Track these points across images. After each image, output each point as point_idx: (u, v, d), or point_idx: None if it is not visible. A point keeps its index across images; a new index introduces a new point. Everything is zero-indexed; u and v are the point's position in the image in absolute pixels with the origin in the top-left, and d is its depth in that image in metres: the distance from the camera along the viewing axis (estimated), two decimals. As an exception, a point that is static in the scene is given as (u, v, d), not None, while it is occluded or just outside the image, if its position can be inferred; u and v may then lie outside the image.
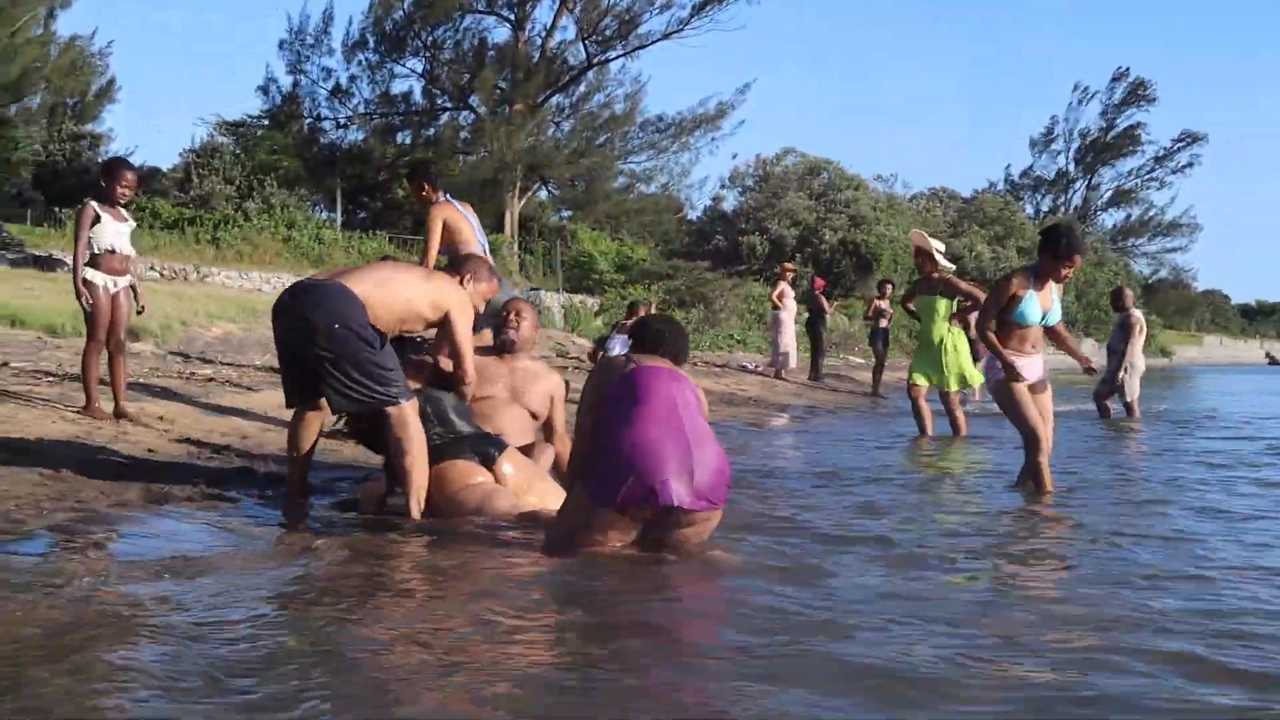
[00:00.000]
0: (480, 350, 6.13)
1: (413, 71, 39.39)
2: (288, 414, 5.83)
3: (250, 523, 5.26)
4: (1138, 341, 14.34)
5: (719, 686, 3.16)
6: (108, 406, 7.53)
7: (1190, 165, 75.23)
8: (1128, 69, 76.30)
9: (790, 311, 20.12)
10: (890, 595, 4.17)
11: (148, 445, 6.89)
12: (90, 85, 39.95)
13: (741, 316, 31.95)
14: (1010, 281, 6.98)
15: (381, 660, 3.22)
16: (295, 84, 38.60)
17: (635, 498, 4.42)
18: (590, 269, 32.98)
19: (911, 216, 46.48)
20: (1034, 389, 7.04)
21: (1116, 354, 14.42)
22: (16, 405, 7.40)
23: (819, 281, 21.79)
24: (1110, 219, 77.97)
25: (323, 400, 5.53)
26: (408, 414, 5.37)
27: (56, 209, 27.38)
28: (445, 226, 7.90)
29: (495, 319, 6.44)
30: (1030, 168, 78.38)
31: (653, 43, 38.69)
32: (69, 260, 9.42)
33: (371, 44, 38.15)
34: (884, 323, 19.57)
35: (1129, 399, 14.34)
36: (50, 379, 8.85)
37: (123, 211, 7.76)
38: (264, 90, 38.61)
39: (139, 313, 7.98)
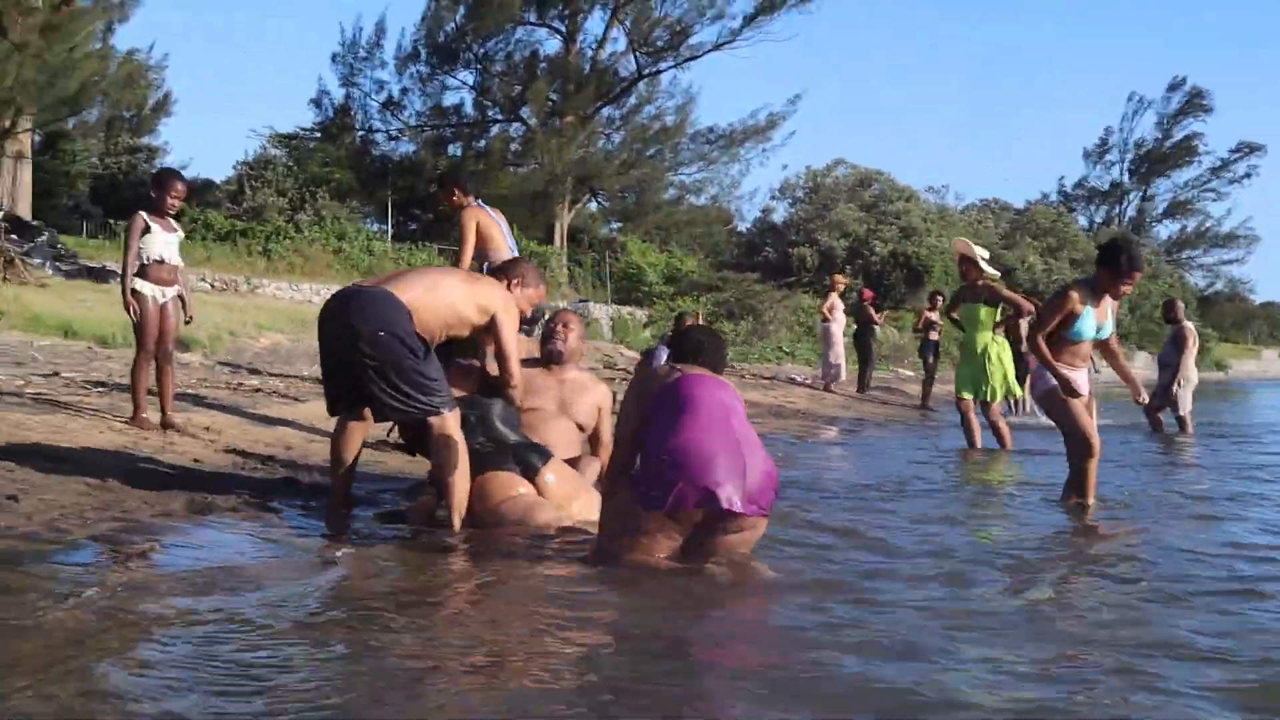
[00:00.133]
0: (528, 362, 6.12)
1: (464, 84, 39.76)
2: (333, 424, 5.82)
3: (292, 534, 5.25)
4: (1191, 354, 14.15)
5: (745, 711, 3.11)
6: (156, 417, 7.58)
7: (1248, 176, 74.43)
8: (1185, 78, 75.64)
9: (840, 324, 20.04)
10: (928, 612, 4.09)
11: (193, 455, 6.93)
12: (147, 99, 40.45)
13: (790, 329, 31.85)
14: (1069, 296, 6.80)
15: (410, 672, 3.20)
16: (347, 96, 39.08)
17: (688, 500, 4.38)
18: (639, 281, 33.03)
19: (963, 228, 46.21)
20: (1079, 401, 6.92)
21: (1169, 367, 14.23)
22: (66, 415, 7.47)
23: (867, 293, 21.66)
24: (1165, 230, 77.32)
25: (366, 410, 5.53)
26: (450, 424, 5.36)
27: (112, 221, 27.74)
28: (478, 230, 7.91)
29: (531, 324, 6.42)
30: (1084, 179, 77.81)
31: (704, 54, 38.84)
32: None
33: (423, 56, 38.48)
34: (934, 335, 19.41)
35: (1182, 412, 14.11)
36: (100, 389, 8.93)
37: (172, 222, 7.82)
38: (316, 103, 39.10)
39: (187, 322, 8.03)
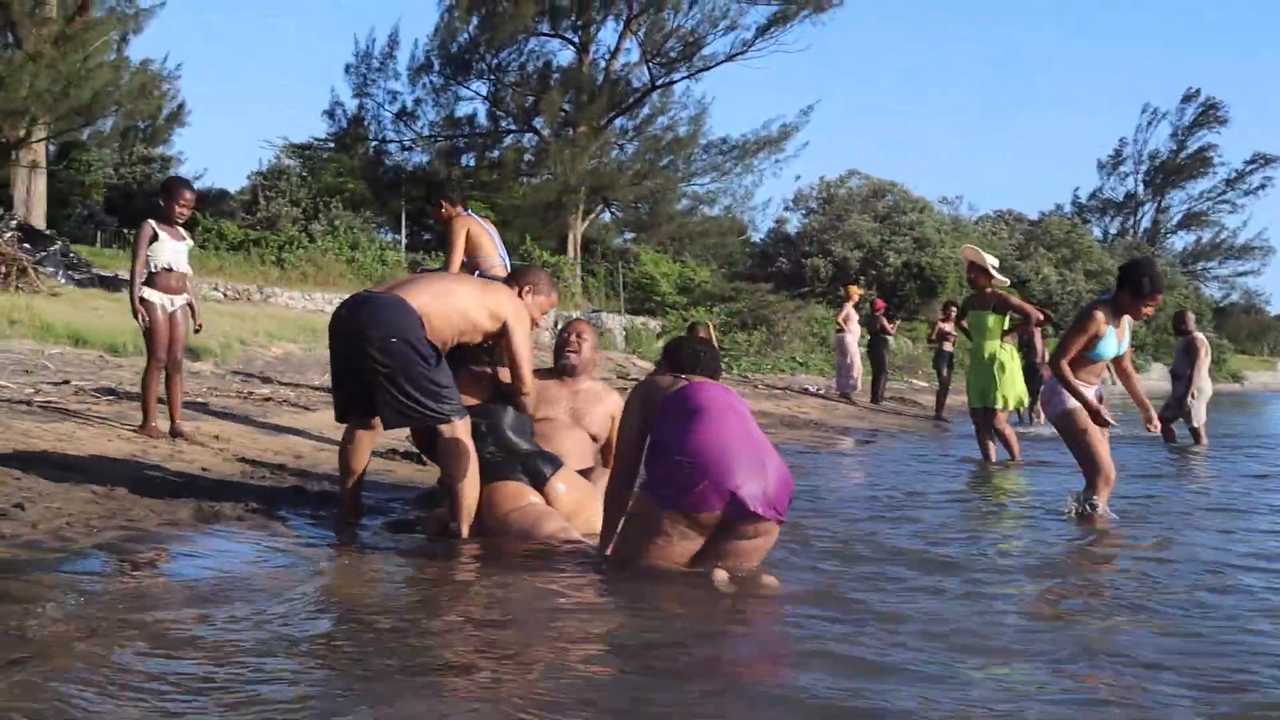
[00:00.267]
0: (541, 373, 6.10)
1: (477, 94, 39.76)
2: (342, 433, 5.80)
3: (300, 543, 5.23)
4: (1204, 365, 14.07)
5: None
6: (165, 426, 7.56)
7: (1263, 187, 74.49)
8: (1199, 90, 75.72)
9: (855, 334, 20.02)
10: (937, 624, 4.05)
11: (202, 464, 6.91)
12: (161, 109, 40.51)
13: (804, 339, 31.79)
14: (1094, 317, 6.69)
15: (416, 682, 3.17)
16: (361, 107, 39.14)
17: (712, 502, 4.35)
18: (652, 291, 32.95)
19: (977, 239, 46.11)
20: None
21: (1182, 379, 14.16)
22: (75, 424, 7.46)
23: (879, 303, 21.62)
24: (1180, 242, 77.33)
25: (375, 419, 5.51)
26: (460, 432, 5.33)
27: (126, 231, 27.84)
28: (468, 238, 7.91)
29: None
30: (1098, 190, 77.71)
31: (716, 65, 38.77)
32: (131, 279, 9.52)
33: (436, 67, 38.52)
34: (948, 346, 19.33)
35: (1196, 424, 14.03)
36: (109, 397, 8.93)
37: (181, 230, 7.80)
38: (330, 114, 39.17)
39: (196, 331, 8.02)
